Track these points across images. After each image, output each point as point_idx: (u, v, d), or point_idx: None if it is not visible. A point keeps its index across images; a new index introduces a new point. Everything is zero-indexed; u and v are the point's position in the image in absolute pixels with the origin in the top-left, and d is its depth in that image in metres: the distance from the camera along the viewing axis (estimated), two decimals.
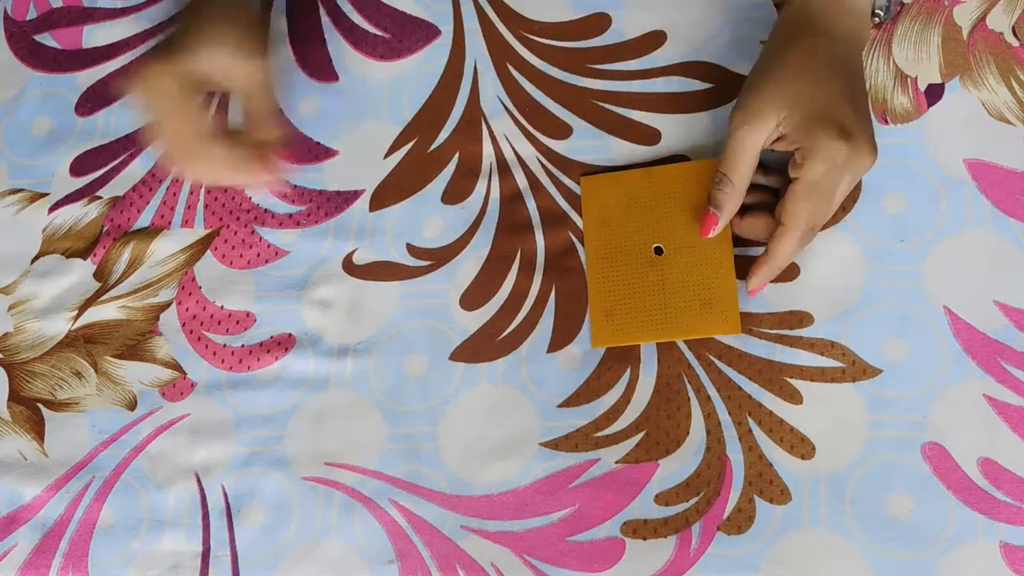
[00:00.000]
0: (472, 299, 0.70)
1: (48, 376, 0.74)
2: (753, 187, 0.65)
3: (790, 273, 0.66)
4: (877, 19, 0.67)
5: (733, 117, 0.62)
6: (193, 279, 0.74)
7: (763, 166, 0.65)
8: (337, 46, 0.78)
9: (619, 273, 0.67)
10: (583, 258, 0.69)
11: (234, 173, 0.69)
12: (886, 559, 0.60)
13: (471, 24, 0.76)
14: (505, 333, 0.69)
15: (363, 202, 0.74)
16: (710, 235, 0.65)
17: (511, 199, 0.71)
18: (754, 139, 0.61)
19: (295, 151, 0.76)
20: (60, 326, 0.75)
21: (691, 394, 0.65)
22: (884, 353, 0.64)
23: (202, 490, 0.69)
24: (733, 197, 0.63)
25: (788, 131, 0.61)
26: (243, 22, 0.69)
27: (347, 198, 0.74)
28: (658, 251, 0.67)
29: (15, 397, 0.74)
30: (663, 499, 0.63)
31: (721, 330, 0.65)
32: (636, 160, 0.70)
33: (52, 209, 0.78)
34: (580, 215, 0.70)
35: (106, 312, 0.75)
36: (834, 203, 0.62)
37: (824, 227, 0.66)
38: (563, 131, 0.72)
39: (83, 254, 0.77)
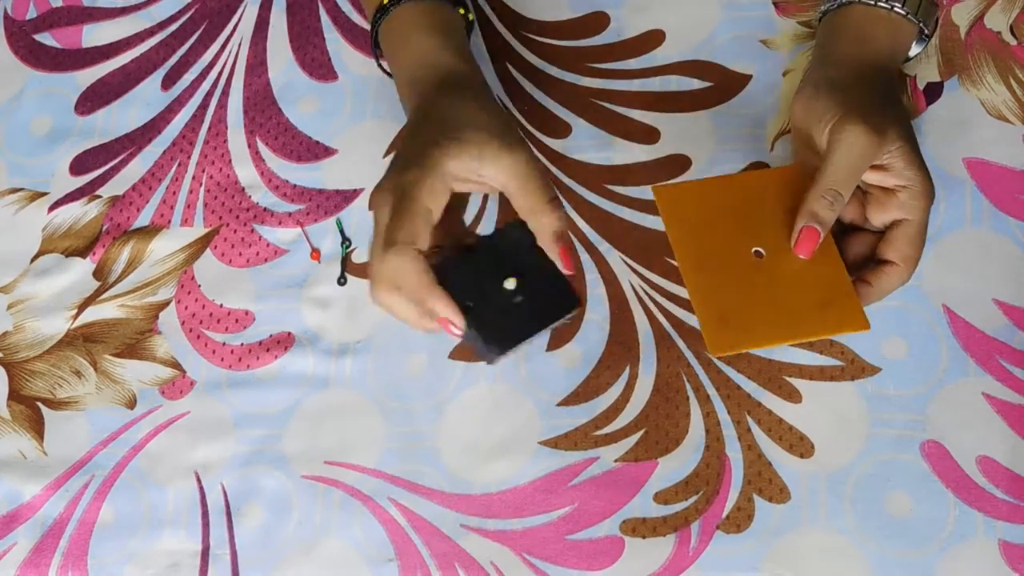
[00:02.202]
0: None
1: (48, 375, 0.74)
2: None
3: None
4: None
5: (848, 132, 0.57)
6: (193, 278, 0.74)
7: None
8: (337, 45, 0.78)
9: (724, 278, 0.59)
10: (612, 259, 0.67)
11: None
12: (885, 557, 0.60)
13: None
14: None
15: (362, 201, 0.74)
16: (810, 256, 0.58)
17: None
18: (871, 159, 0.57)
19: (295, 150, 0.76)
20: (59, 325, 0.75)
21: (690, 393, 0.65)
22: (883, 351, 0.64)
23: (202, 488, 0.69)
24: (834, 210, 0.58)
25: (899, 167, 0.57)
26: (495, 109, 0.61)
27: (346, 196, 0.74)
28: (758, 255, 0.60)
29: (15, 396, 0.74)
30: (662, 498, 0.63)
31: (850, 327, 0.58)
32: (636, 159, 0.71)
33: (52, 208, 0.78)
34: (583, 218, 0.70)
35: (105, 311, 0.75)
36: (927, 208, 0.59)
37: None
38: (562, 130, 0.72)
39: (83, 253, 0.77)
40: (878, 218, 0.59)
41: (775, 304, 0.59)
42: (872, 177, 0.59)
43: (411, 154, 0.59)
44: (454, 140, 0.58)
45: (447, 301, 0.57)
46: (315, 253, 0.73)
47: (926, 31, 0.63)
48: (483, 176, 0.59)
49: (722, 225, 0.61)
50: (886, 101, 0.59)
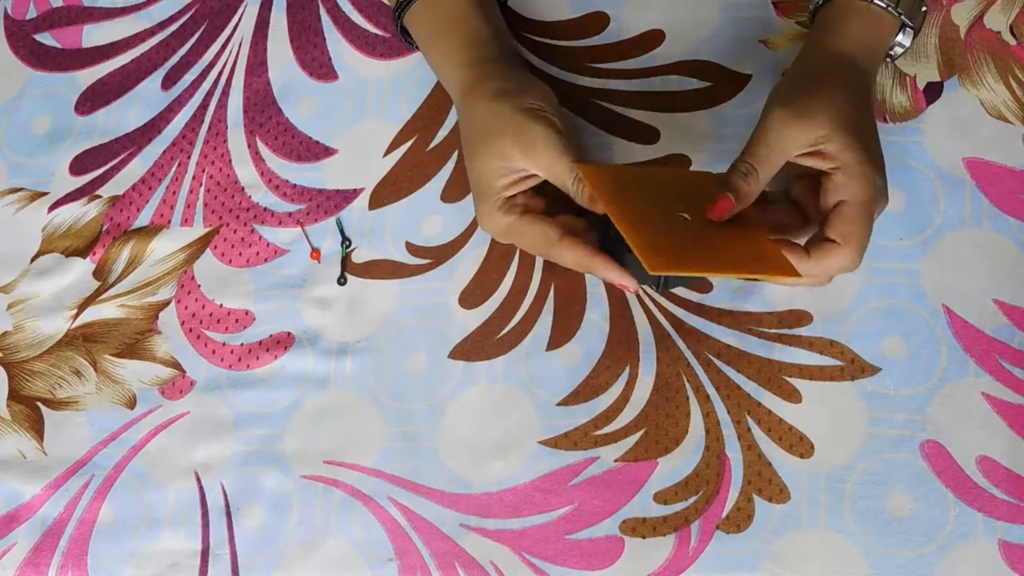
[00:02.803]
0: (471, 297, 0.70)
1: (48, 375, 0.74)
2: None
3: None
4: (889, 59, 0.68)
5: (774, 114, 0.60)
6: (192, 278, 0.74)
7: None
8: (337, 45, 0.78)
9: (655, 219, 0.60)
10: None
11: (593, 270, 0.64)
12: (885, 557, 0.60)
13: None
14: (504, 331, 0.69)
15: (362, 200, 0.74)
16: (722, 218, 0.60)
17: None
18: (795, 141, 0.59)
19: (295, 150, 0.76)
20: (59, 325, 0.75)
21: (690, 393, 0.65)
22: (883, 351, 0.64)
23: (201, 488, 0.69)
24: (753, 190, 0.60)
25: (832, 151, 0.59)
26: (501, 121, 0.65)
27: (346, 196, 0.74)
28: (684, 219, 0.61)
29: (15, 396, 0.74)
30: (662, 497, 0.63)
31: (779, 271, 0.60)
32: (636, 159, 0.70)
33: (52, 208, 0.78)
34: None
35: (105, 311, 0.75)
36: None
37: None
38: None
39: (82, 253, 0.77)
40: (825, 201, 0.61)
41: (708, 243, 0.60)
42: (809, 161, 0.61)
43: (473, 184, 0.66)
44: (495, 154, 0.64)
45: (611, 265, 0.63)
46: (315, 253, 0.73)
47: (910, 24, 0.64)
48: (527, 169, 0.64)
49: (645, 194, 0.62)
50: (830, 89, 0.61)
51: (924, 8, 0.65)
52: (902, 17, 0.64)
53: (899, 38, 0.66)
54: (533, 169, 0.64)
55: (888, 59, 0.67)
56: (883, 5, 0.63)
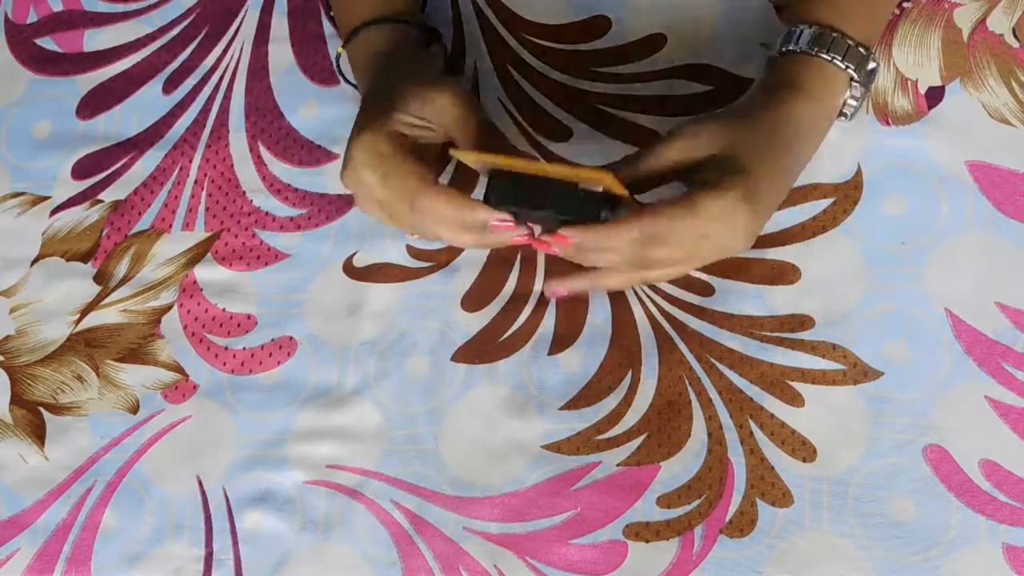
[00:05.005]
0: (473, 300, 0.70)
1: (50, 380, 0.74)
2: None
3: (790, 276, 0.66)
4: (843, 118, 0.66)
5: (672, 129, 0.61)
6: (194, 282, 0.74)
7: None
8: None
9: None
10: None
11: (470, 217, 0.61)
12: (888, 562, 0.60)
13: (470, 26, 0.76)
14: (507, 335, 0.69)
15: None
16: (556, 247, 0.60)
17: None
18: (668, 156, 0.60)
19: (296, 154, 0.76)
20: (61, 330, 0.75)
21: (692, 397, 0.65)
22: (885, 355, 0.64)
23: (204, 493, 0.69)
24: (630, 172, 0.61)
25: (709, 164, 0.59)
26: (428, 64, 0.67)
27: (348, 201, 0.74)
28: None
29: (17, 400, 0.74)
30: (665, 501, 0.64)
31: (597, 177, 0.58)
32: None
33: (53, 212, 0.78)
34: None
35: (107, 316, 0.75)
36: (686, 258, 0.59)
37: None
38: (563, 134, 0.72)
39: (84, 258, 0.77)
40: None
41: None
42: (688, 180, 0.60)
43: (368, 102, 0.65)
44: (394, 92, 0.63)
45: (480, 205, 0.60)
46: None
47: (856, 79, 0.63)
48: (427, 119, 0.63)
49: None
50: (732, 110, 0.61)
51: (873, 65, 0.64)
52: (851, 72, 0.62)
53: (848, 96, 0.65)
54: (439, 120, 0.63)
55: (843, 117, 0.66)
56: (827, 58, 0.62)
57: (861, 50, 0.62)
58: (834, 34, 0.62)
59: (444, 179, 0.73)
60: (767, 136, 0.60)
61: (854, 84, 0.63)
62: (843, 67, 0.62)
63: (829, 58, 0.62)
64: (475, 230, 0.61)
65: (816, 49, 0.62)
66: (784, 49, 0.64)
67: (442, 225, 0.61)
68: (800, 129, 0.62)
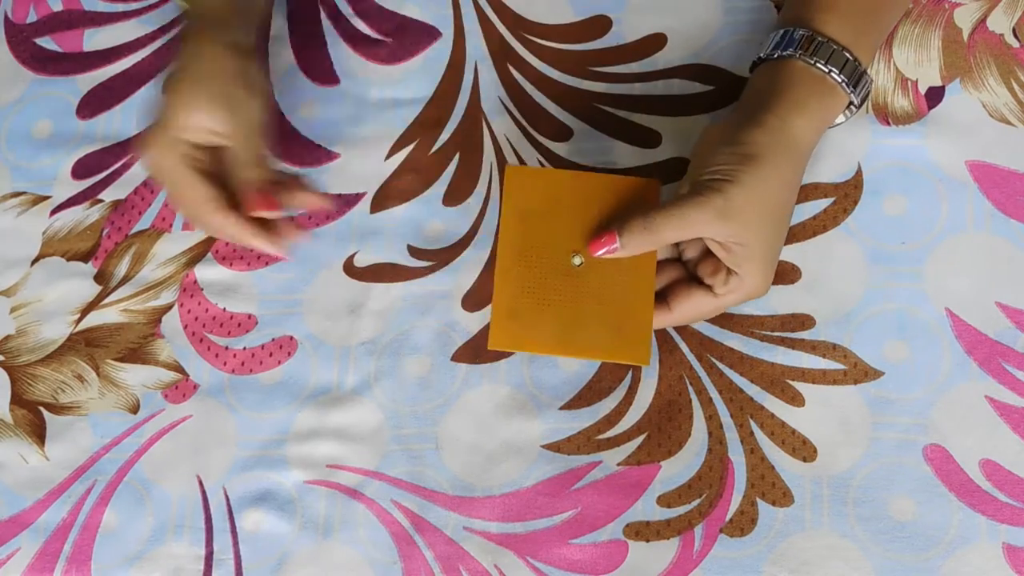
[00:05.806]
0: (474, 300, 0.70)
1: (50, 379, 0.74)
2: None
3: (791, 276, 0.66)
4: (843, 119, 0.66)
5: (696, 200, 0.59)
6: (195, 281, 0.74)
7: None
8: (338, 49, 0.78)
9: (532, 274, 0.64)
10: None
11: (242, 240, 0.68)
12: (889, 561, 0.60)
13: (471, 26, 0.76)
14: None
15: (364, 204, 0.74)
16: (597, 254, 0.62)
17: None
18: (700, 229, 0.60)
19: (297, 154, 0.76)
20: (62, 329, 0.75)
21: (693, 396, 0.65)
22: (886, 355, 0.64)
23: (204, 493, 0.69)
24: (643, 247, 0.62)
25: (740, 260, 0.60)
26: (223, 77, 0.67)
27: (348, 201, 0.74)
28: (578, 263, 0.64)
29: (17, 400, 0.74)
30: (665, 501, 0.64)
31: (628, 358, 0.63)
32: (637, 163, 0.71)
33: (53, 212, 0.78)
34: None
35: (108, 315, 0.75)
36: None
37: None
38: (564, 134, 0.72)
39: (84, 257, 0.77)
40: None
41: (570, 315, 0.63)
42: (713, 247, 0.61)
43: (167, 107, 0.67)
44: (211, 96, 0.66)
45: (260, 234, 0.68)
46: None
47: (849, 91, 0.62)
48: (221, 134, 0.67)
49: (555, 220, 0.64)
50: (750, 186, 0.59)
51: (868, 84, 0.64)
52: (843, 83, 0.62)
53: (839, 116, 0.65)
54: (231, 132, 0.66)
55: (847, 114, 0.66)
56: (825, 70, 0.62)
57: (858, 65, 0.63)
58: (832, 45, 0.62)
59: (444, 180, 0.73)
60: (760, 212, 0.60)
61: (851, 106, 0.64)
62: (846, 91, 0.62)
63: (827, 70, 0.62)
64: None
65: (812, 57, 0.62)
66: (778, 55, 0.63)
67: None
68: (793, 182, 0.62)
